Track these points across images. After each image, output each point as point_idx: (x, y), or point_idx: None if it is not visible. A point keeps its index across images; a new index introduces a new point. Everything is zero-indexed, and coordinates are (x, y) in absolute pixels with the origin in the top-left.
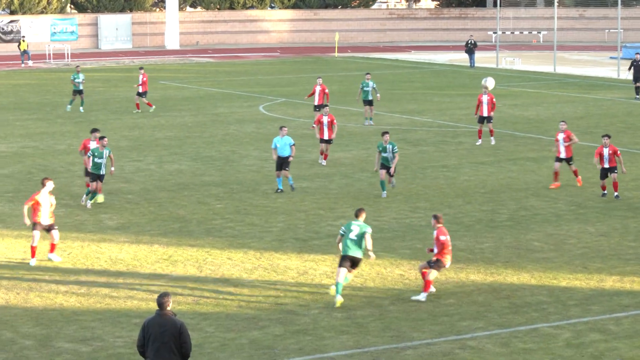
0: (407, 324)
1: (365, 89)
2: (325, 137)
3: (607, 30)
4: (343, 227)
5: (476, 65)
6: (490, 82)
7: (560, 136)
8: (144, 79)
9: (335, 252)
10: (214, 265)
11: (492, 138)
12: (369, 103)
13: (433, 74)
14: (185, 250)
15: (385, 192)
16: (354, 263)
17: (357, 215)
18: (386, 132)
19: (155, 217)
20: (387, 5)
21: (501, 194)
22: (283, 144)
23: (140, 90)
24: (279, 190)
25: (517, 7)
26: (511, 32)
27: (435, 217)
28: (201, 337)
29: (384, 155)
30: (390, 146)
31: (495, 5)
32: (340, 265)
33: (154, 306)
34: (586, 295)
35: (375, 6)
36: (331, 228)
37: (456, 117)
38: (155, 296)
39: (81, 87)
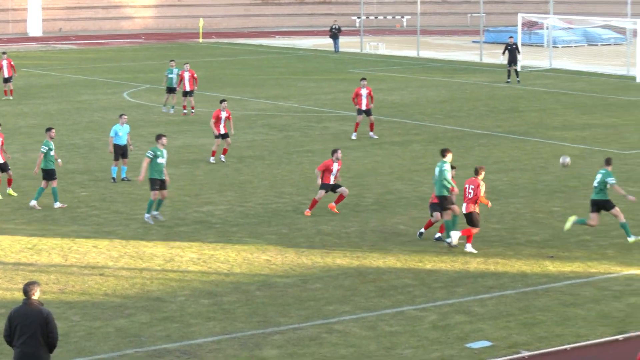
0: (274, 309)
1: (169, 75)
2: (222, 131)
3: (469, 15)
4: None
5: (340, 50)
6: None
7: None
8: (10, 64)
9: (201, 239)
10: (80, 253)
11: (371, 133)
12: (172, 90)
13: (298, 59)
14: (50, 239)
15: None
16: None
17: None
18: (163, 135)
19: (19, 205)
20: None
21: (367, 178)
22: (124, 132)
23: (7, 75)
24: (114, 180)
25: None
26: (375, 17)
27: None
28: (67, 326)
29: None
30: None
31: None
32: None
33: (19, 296)
34: (451, 277)
35: None
36: (197, 214)
37: (321, 102)
38: (21, 286)
39: None
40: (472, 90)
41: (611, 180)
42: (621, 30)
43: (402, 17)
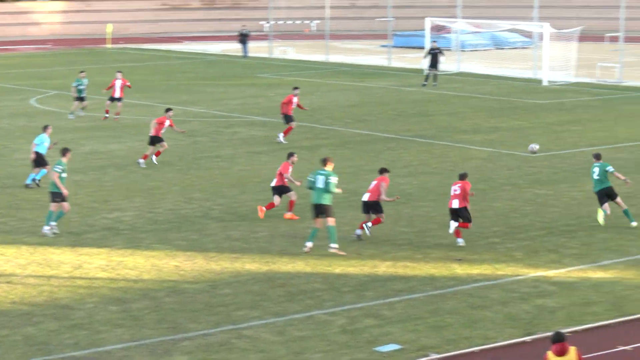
0: (183, 315)
1: (79, 87)
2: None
3: (377, 19)
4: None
5: (249, 55)
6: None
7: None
8: None
9: (110, 246)
10: None
11: (282, 136)
12: (81, 99)
13: (206, 64)
14: None
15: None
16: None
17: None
18: (68, 150)
19: None
20: None
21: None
22: (48, 143)
23: None
24: (30, 185)
25: None
26: (284, 22)
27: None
28: None
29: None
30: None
31: None
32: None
33: None
34: (360, 281)
35: None
36: (105, 221)
37: (230, 107)
38: None
39: None
40: (381, 94)
41: (610, 168)
42: (528, 34)
43: (311, 21)
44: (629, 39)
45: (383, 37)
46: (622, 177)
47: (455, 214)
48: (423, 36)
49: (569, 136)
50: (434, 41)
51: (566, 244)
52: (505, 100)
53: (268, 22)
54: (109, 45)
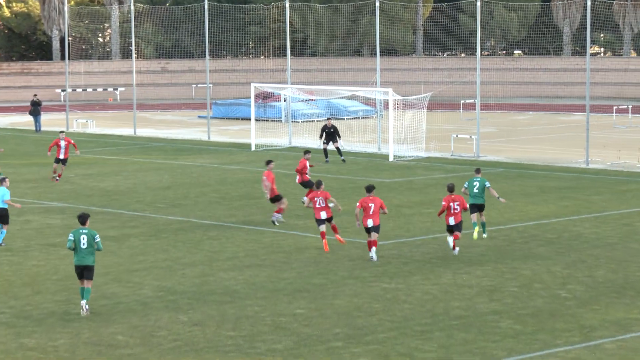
0: None
1: None
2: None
3: (194, 86)
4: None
5: (43, 129)
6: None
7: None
8: None
9: None
10: None
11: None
12: None
13: None
14: None
15: None
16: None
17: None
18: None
19: None
20: None
21: (76, 280)
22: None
23: None
24: None
25: (89, 59)
26: (83, 90)
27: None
28: None
29: None
30: None
31: (63, 58)
32: None
33: None
34: None
35: None
36: None
37: (21, 191)
38: None
39: None
40: (200, 173)
41: (487, 183)
42: (370, 102)
43: (115, 89)
44: (487, 107)
45: (201, 106)
46: (496, 195)
47: (452, 230)
48: (247, 105)
49: (420, 220)
50: (329, 118)
51: (421, 346)
52: (346, 180)
53: (64, 90)
54: None
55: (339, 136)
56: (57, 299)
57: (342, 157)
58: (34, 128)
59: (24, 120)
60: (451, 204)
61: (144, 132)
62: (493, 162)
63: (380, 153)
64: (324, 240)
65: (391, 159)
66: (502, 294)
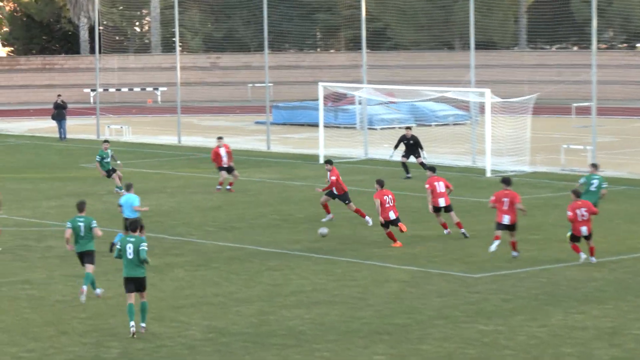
0: None
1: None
2: None
3: (250, 85)
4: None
5: (68, 136)
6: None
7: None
8: None
9: None
10: None
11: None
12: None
13: (6, 150)
14: None
15: None
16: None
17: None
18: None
19: None
20: None
21: (110, 319)
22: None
23: None
24: None
25: (124, 53)
26: (117, 89)
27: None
28: None
29: None
30: None
31: (92, 51)
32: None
33: None
34: None
35: None
36: None
37: (42, 211)
38: None
39: None
40: (257, 190)
41: (605, 184)
42: (463, 105)
43: (156, 89)
44: (605, 111)
45: (258, 110)
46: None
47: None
48: (314, 108)
49: (525, 248)
50: (408, 127)
51: None
52: None
53: (94, 90)
54: None
55: (422, 148)
56: (85, 340)
57: (409, 175)
58: (57, 135)
59: (46, 125)
60: (577, 210)
61: (190, 140)
62: (613, 178)
63: (475, 167)
64: (396, 243)
65: (488, 174)
66: (624, 337)
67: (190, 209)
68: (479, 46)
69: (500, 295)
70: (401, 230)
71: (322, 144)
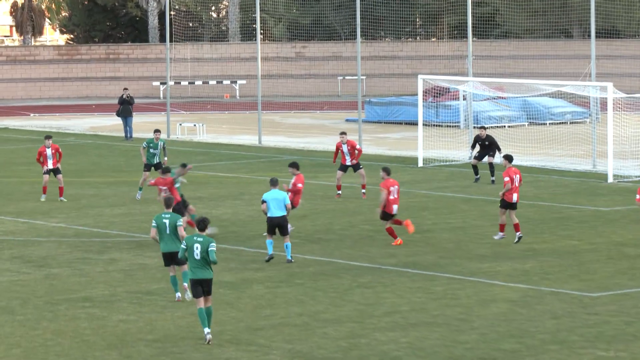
0: None
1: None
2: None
3: (340, 78)
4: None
5: (135, 135)
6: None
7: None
8: None
9: None
10: None
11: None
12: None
13: (65, 150)
14: None
15: None
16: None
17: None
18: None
19: None
20: None
21: (180, 341)
22: None
23: None
24: None
25: (198, 42)
26: (190, 83)
27: None
28: None
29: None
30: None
31: (162, 39)
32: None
33: None
34: None
35: None
36: None
37: (106, 219)
38: None
39: None
40: (347, 197)
41: None
42: (582, 101)
43: (234, 82)
44: None
45: (349, 106)
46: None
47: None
48: (412, 104)
49: None
50: (483, 127)
51: None
52: (548, 207)
53: (164, 84)
54: None
55: (499, 150)
56: None
57: (478, 176)
58: (122, 134)
59: (110, 123)
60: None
61: (271, 140)
62: None
63: (595, 171)
64: (397, 240)
65: (610, 179)
66: None
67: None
68: (600, 34)
69: (622, 318)
70: (407, 227)
71: (421, 145)
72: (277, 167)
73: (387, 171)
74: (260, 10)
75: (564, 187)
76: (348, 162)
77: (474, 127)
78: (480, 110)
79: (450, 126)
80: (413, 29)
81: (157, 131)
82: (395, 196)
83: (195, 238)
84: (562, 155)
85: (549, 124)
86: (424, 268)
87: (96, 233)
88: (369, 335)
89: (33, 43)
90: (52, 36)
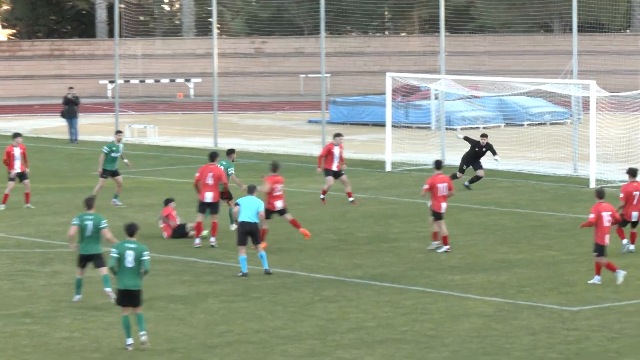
0: None
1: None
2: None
3: (302, 76)
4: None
5: (81, 137)
6: None
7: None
8: None
9: None
10: None
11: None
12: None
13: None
14: None
15: None
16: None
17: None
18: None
19: None
20: None
21: (127, 359)
22: None
23: None
24: None
25: (150, 37)
26: (141, 81)
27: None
28: None
29: None
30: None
31: (111, 34)
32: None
33: None
34: None
35: None
36: None
37: (48, 228)
38: None
39: None
40: (309, 204)
41: None
42: (563, 101)
43: (188, 80)
44: None
45: (312, 106)
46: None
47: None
48: (380, 104)
49: (635, 277)
50: (484, 135)
51: None
52: (525, 215)
53: (113, 82)
54: None
55: (495, 152)
56: None
57: (467, 183)
58: (67, 136)
59: (54, 125)
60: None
61: (228, 142)
62: None
63: (576, 176)
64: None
65: (592, 184)
66: None
67: (228, 227)
68: (583, 29)
69: (604, 333)
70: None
71: (390, 148)
72: (235, 172)
73: (274, 167)
74: (217, 3)
75: (543, 192)
76: (335, 167)
77: (466, 139)
78: (453, 110)
79: (420, 127)
80: (381, 23)
81: (119, 132)
82: (280, 192)
83: (126, 245)
84: (540, 158)
85: (527, 125)
86: (391, 280)
87: (38, 243)
88: (331, 353)
89: None
90: None
